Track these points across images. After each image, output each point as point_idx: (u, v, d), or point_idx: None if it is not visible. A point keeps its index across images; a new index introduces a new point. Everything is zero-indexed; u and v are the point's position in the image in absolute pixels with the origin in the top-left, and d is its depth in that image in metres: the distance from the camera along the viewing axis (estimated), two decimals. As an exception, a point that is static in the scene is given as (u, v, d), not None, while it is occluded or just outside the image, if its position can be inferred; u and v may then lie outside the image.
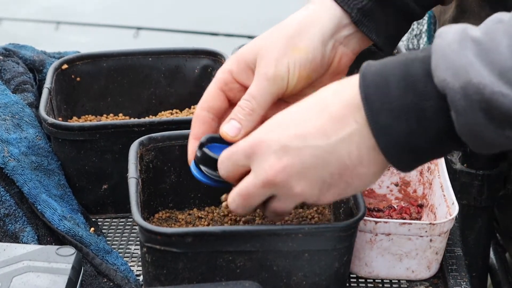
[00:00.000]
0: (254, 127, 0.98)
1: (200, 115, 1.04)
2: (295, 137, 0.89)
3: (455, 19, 1.28)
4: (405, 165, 0.88)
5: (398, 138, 0.85)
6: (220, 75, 1.04)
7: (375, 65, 0.86)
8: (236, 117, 0.99)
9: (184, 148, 1.14)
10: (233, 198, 0.95)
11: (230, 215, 1.15)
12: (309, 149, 0.89)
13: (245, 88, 1.02)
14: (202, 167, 0.99)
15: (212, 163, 0.98)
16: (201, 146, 0.99)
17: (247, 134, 0.98)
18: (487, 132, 0.81)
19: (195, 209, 1.17)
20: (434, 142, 0.85)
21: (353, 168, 0.89)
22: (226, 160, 0.95)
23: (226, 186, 0.99)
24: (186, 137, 1.14)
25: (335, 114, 0.88)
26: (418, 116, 0.83)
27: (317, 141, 0.88)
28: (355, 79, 0.87)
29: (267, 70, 1.00)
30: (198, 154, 1.00)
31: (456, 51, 0.80)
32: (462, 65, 0.80)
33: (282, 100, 1.03)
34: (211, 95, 1.04)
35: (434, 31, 1.46)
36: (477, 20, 1.21)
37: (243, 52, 1.03)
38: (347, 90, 0.88)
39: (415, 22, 2.45)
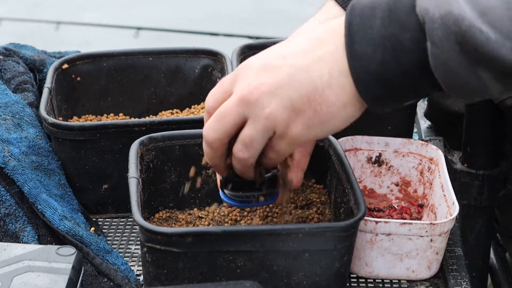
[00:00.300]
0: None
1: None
2: (276, 56, 0.90)
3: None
4: (375, 99, 0.87)
5: (371, 67, 0.85)
6: None
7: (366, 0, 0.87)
8: None
9: (184, 148, 1.14)
10: (208, 121, 0.93)
11: (230, 215, 1.15)
12: (286, 67, 0.89)
13: None
14: (225, 190, 1.01)
15: (232, 183, 0.99)
16: None
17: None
18: (460, 68, 0.81)
19: (195, 209, 1.17)
20: (407, 76, 0.84)
21: (322, 91, 0.87)
22: (215, 90, 0.94)
23: (252, 205, 1.01)
24: (186, 137, 1.14)
25: (316, 37, 0.89)
26: (395, 46, 0.83)
27: (295, 59, 0.89)
28: (340, 17, 0.89)
29: None
30: (221, 178, 1.01)
31: None
32: None
33: None
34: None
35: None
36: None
37: None
38: (335, 21, 0.89)
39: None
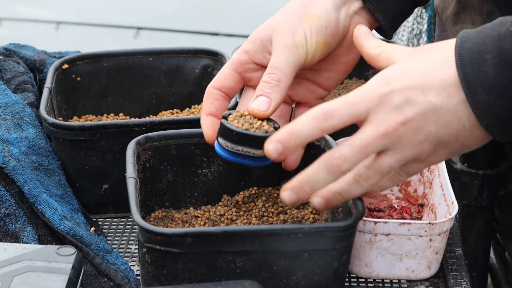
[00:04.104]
0: (282, 100, 0.99)
1: (211, 92, 1.04)
2: (418, 90, 0.89)
3: (457, 15, 1.28)
4: (507, 136, 0.89)
5: (499, 114, 0.86)
6: (235, 56, 1.05)
7: (471, 40, 0.87)
8: (263, 92, 0.99)
9: (180, 148, 1.14)
10: (344, 150, 0.91)
11: (226, 214, 1.15)
12: (430, 106, 0.89)
13: (260, 67, 1.03)
14: (220, 140, 0.98)
15: (228, 134, 0.97)
16: (222, 118, 1.00)
17: (277, 107, 0.99)
18: None
19: (191, 208, 1.17)
20: None
21: (470, 130, 0.89)
22: (344, 108, 0.91)
23: (246, 162, 0.98)
24: (182, 137, 1.14)
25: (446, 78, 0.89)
26: None
27: (439, 100, 0.89)
28: (450, 53, 0.88)
29: (286, 40, 1.00)
30: (219, 128, 0.99)
31: None
32: None
33: (303, 77, 1.04)
34: (224, 75, 1.05)
35: (434, 31, 1.46)
36: (478, 15, 1.21)
37: (257, 32, 1.04)
38: (445, 66, 0.88)
39: (415, 22, 2.46)
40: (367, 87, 0.91)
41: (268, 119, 1.01)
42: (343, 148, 0.91)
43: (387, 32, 1.06)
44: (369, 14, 1.04)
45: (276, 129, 0.99)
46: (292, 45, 1.00)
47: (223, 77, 1.05)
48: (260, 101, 0.99)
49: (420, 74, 0.90)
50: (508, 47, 0.85)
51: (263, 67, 1.03)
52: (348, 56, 1.05)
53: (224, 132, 0.99)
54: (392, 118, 0.89)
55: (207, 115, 1.04)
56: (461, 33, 0.89)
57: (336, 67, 1.06)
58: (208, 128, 1.04)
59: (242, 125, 0.98)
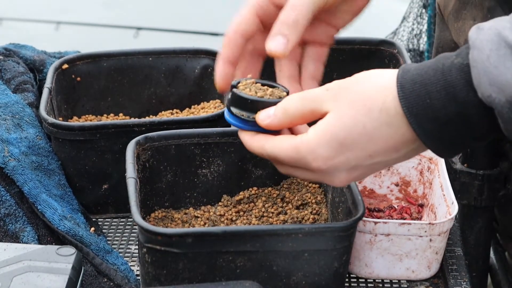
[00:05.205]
0: (298, 41, 0.96)
1: (233, 38, 0.98)
2: (364, 158, 0.90)
3: (458, 11, 1.27)
4: (449, 156, 0.89)
5: (447, 141, 0.86)
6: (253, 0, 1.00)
7: (412, 73, 0.86)
8: (280, 32, 0.95)
9: (180, 148, 1.14)
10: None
11: (226, 214, 1.15)
12: (378, 164, 0.91)
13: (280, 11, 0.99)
14: (234, 110, 0.95)
15: (243, 103, 0.95)
16: (232, 88, 0.96)
17: (292, 48, 0.96)
18: None
19: (191, 208, 1.17)
20: (481, 139, 0.86)
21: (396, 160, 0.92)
22: (292, 164, 0.92)
23: (258, 129, 0.96)
24: (182, 137, 1.14)
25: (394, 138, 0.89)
26: (464, 122, 0.84)
27: (386, 157, 0.90)
28: (391, 88, 0.86)
29: None
30: (229, 96, 0.96)
31: (497, 65, 0.80)
32: (506, 80, 0.80)
33: (317, 18, 1.01)
34: (246, 19, 0.99)
35: (434, 31, 1.45)
36: (479, 11, 1.20)
37: None
38: (390, 105, 0.87)
39: (415, 22, 2.46)
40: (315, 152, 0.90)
41: (275, 86, 0.99)
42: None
43: None
44: None
45: (287, 93, 0.97)
46: None
47: (245, 21, 0.98)
48: (277, 41, 0.95)
49: (359, 139, 0.89)
50: (452, 81, 0.83)
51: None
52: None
53: (238, 101, 0.95)
54: (339, 182, 0.92)
55: (225, 63, 0.99)
56: (400, 70, 0.87)
57: (351, 9, 1.03)
58: (223, 76, 0.99)
59: (256, 92, 0.96)
